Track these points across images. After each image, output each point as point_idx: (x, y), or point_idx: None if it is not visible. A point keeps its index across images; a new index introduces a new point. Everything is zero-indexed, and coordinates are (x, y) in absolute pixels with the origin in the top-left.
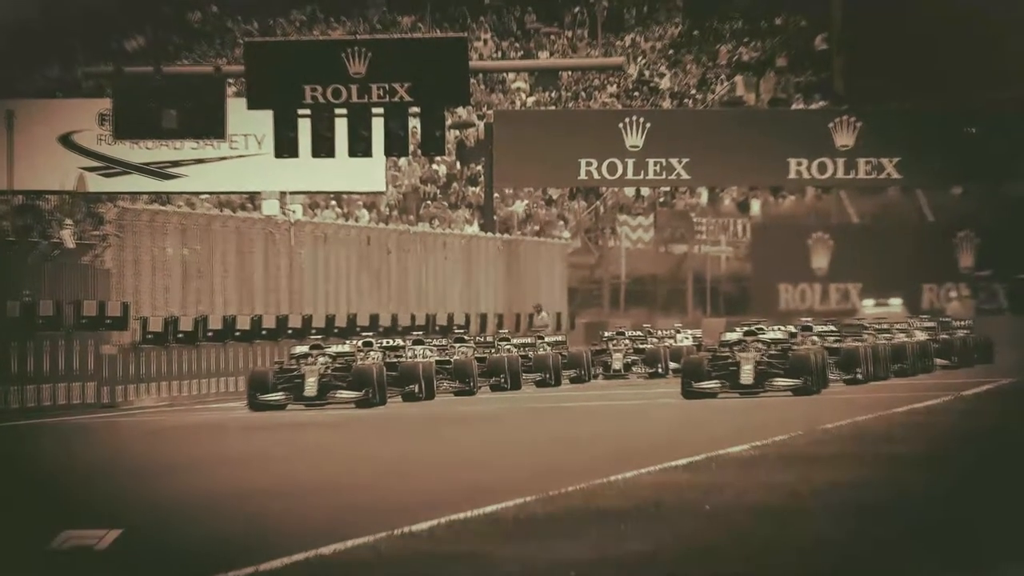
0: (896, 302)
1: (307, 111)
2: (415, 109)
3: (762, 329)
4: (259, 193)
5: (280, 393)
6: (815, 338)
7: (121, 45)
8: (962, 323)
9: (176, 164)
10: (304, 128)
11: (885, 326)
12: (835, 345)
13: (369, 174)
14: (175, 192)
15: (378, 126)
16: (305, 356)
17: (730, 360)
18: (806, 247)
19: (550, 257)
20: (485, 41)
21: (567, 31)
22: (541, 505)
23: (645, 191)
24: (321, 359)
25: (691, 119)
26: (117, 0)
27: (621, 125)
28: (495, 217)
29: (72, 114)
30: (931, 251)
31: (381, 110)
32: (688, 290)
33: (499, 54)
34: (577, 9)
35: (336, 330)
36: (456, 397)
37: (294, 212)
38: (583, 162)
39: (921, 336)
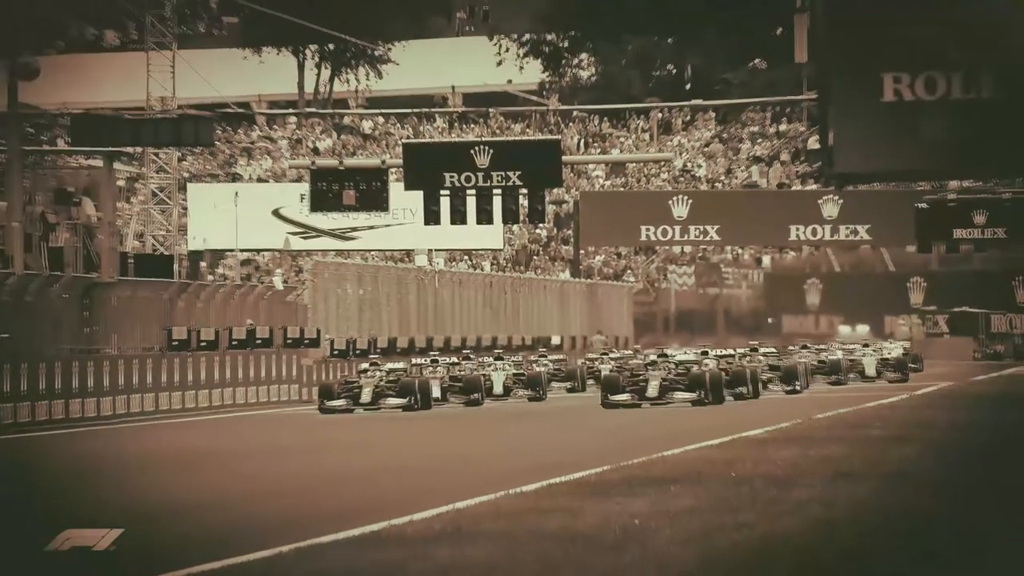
0: (863, 328)
1: (447, 192)
2: (524, 190)
3: (667, 354)
4: (412, 250)
5: (342, 400)
6: (749, 358)
7: (315, 146)
8: (896, 344)
9: (354, 230)
10: (444, 204)
11: (824, 346)
12: (777, 363)
13: (491, 236)
14: (353, 249)
15: (497, 202)
16: (365, 371)
17: (641, 377)
18: (802, 289)
19: (620, 296)
20: (575, 141)
21: (632, 134)
22: (613, 473)
23: (688, 249)
24: (378, 373)
25: (721, 198)
26: (312, 112)
27: (670, 201)
28: (581, 267)
29: (281, 194)
30: (891, 291)
31: (499, 191)
32: (719, 320)
33: (584, 151)
34: (640, 119)
35: (468, 349)
36: (529, 403)
37: (437, 264)
38: (643, 228)
39: (839, 355)
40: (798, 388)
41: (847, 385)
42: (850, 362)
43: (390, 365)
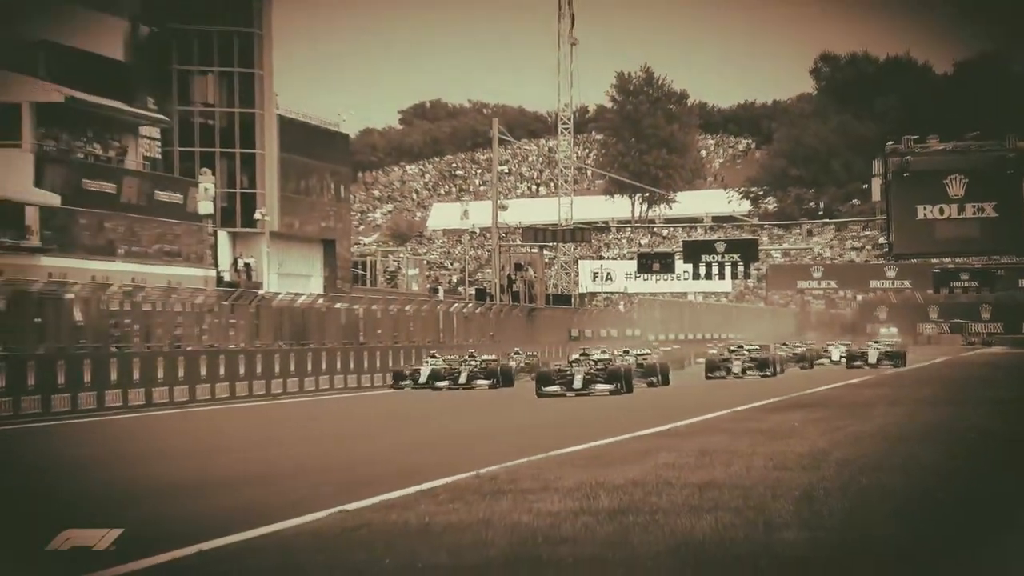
0: (893, 330)
1: (703, 264)
2: (740, 263)
3: (588, 352)
4: (686, 292)
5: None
6: (638, 356)
7: (640, 243)
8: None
9: (657, 282)
10: (702, 269)
11: (798, 344)
12: (756, 356)
13: (725, 286)
14: (656, 291)
15: (728, 269)
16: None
17: (568, 372)
18: (876, 311)
19: (789, 315)
20: (766, 239)
21: (792, 236)
22: (729, 415)
23: (821, 291)
24: (472, 362)
25: (837, 267)
26: (638, 225)
27: (811, 268)
28: (768, 301)
29: (624, 267)
30: (920, 312)
31: (729, 264)
32: (835, 327)
33: (769, 244)
34: (797, 229)
35: (709, 343)
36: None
37: (698, 298)
38: (799, 281)
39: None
40: (769, 373)
41: (813, 368)
42: (860, 353)
43: (483, 356)
